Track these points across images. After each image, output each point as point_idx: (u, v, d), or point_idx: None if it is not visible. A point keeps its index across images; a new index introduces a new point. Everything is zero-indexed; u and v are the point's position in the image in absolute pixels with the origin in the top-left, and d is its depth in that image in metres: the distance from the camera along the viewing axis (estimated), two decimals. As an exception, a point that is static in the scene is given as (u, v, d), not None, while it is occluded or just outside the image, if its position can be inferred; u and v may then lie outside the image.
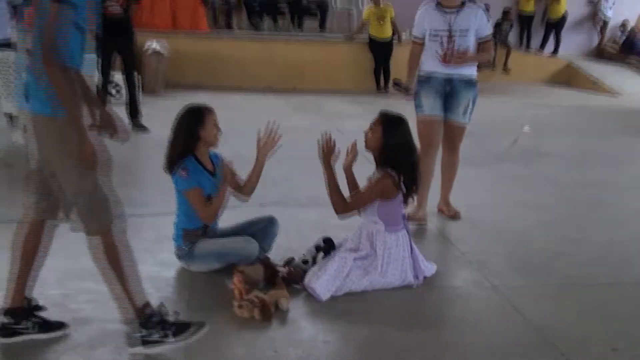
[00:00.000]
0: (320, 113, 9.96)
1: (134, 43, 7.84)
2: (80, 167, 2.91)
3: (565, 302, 3.92)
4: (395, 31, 12.59)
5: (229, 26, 13.25)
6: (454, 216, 5.20)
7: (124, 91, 8.22)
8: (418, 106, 5.01)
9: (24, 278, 3.26)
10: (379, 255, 3.84)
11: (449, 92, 4.90)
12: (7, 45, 7.03)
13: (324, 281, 3.71)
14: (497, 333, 3.51)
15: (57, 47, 2.69)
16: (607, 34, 16.92)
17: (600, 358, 3.33)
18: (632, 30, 16.84)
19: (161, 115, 8.26)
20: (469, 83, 4.92)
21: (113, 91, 8.81)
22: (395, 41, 12.53)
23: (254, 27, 13.39)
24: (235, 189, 4.14)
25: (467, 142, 5.38)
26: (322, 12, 13.81)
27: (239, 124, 8.34)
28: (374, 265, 3.83)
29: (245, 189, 4.16)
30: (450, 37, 4.79)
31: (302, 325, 3.47)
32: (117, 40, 7.56)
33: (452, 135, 5.06)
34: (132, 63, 7.77)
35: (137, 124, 7.79)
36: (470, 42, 4.86)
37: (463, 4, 4.85)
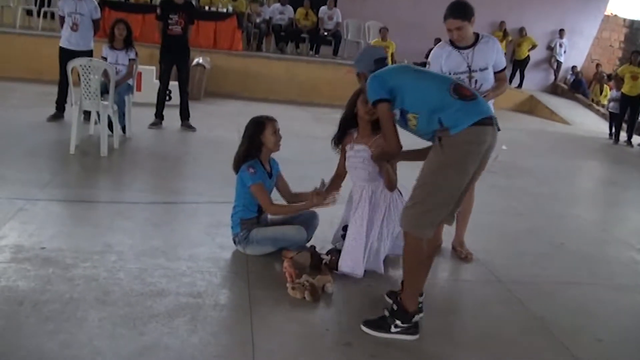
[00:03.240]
0: (336, 124, 9.72)
1: (189, 58, 7.58)
2: None
3: (555, 297, 3.72)
4: (393, 61, 12.36)
5: (259, 48, 13.01)
6: (466, 258, 4.09)
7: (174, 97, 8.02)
8: None
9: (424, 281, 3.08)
10: (381, 210, 3.60)
11: None
12: (90, 53, 6.83)
13: (349, 259, 3.53)
14: (506, 322, 3.33)
15: None
16: (560, 74, 16.77)
17: (589, 346, 3.16)
18: (579, 73, 16.71)
19: (204, 118, 8.10)
20: None
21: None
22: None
23: (279, 50, 13.17)
24: (282, 192, 4.00)
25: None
26: (336, 41, 13.58)
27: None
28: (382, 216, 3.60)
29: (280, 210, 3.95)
30: (470, 77, 3.79)
31: (345, 307, 3.28)
32: (176, 54, 7.30)
33: None
34: (187, 75, 7.52)
35: (187, 124, 7.55)
36: (490, 77, 3.88)
37: (476, 40, 3.81)
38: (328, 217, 4.03)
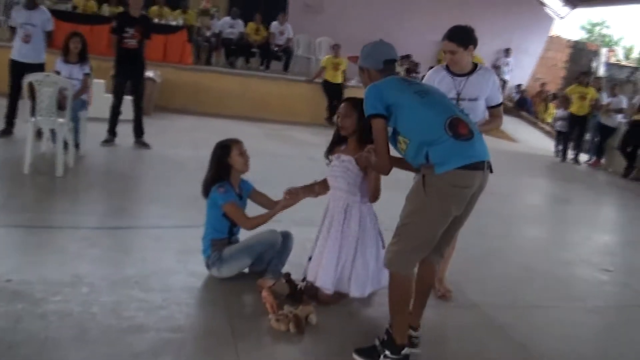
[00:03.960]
0: (290, 141, 9.71)
1: (145, 72, 7.41)
2: None
3: (534, 321, 3.77)
4: (344, 79, 12.45)
5: (208, 62, 12.87)
6: (443, 296, 3.91)
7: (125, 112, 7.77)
8: None
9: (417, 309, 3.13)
10: (354, 225, 3.54)
11: None
12: (42, 66, 6.58)
13: (320, 270, 3.53)
14: (491, 349, 3.35)
15: None
16: (506, 92, 17.27)
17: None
18: (524, 91, 17.26)
19: (157, 134, 7.90)
20: None
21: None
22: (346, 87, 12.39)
23: (229, 65, 13.06)
24: (264, 204, 3.91)
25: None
26: (287, 56, 13.59)
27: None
28: (351, 237, 3.54)
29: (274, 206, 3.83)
30: (457, 104, 3.57)
31: (332, 337, 3.23)
32: (131, 69, 7.13)
33: None
34: (142, 90, 7.34)
35: (141, 142, 7.36)
36: (479, 109, 3.73)
37: (473, 70, 3.68)
38: (298, 241, 3.97)
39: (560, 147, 12.00)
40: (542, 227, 6.67)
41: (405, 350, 2.92)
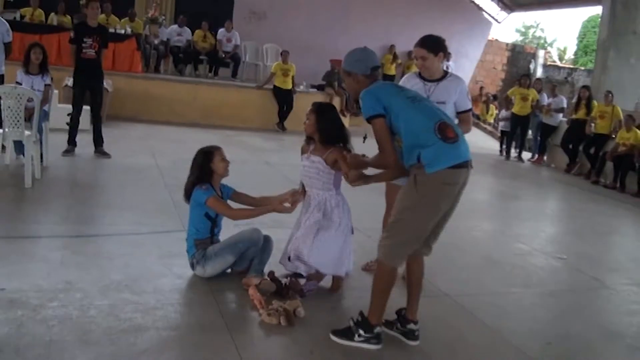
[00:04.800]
0: (245, 147, 9.85)
1: (103, 82, 7.45)
2: None
3: (500, 306, 4.10)
4: (294, 84, 12.69)
5: (157, 70, 12.89)
6: None
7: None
8: None
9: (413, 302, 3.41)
10: (335, 213, 3.83)
11: None
12: (1, 79, 6.55)
13: (294, 255, 3.84)
14: (464, 335, 3.63)
15: None
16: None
17: (541, 350, 3.53)
18: (465, 93, 17.90)
19: (113, 143, 7.90)
20: None
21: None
22: (295, 93, 12.63)
23: (178, 72, 13.12)
24: (248, 203, 4.13)
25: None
26: (235, 63, 13.74)
27: (185, 153, 8.17)
28: (332, 222, 3.83)
29: (257, 203, 4.09)
30: None
31: (319, 327, 3.42)
32: (90, 78, 7.18)
33: None
34: (101, 99, 7.38)
35: (101, 151, 7.39)
36: (447, 114, 3.59)
37: (443, 77, 4.00)
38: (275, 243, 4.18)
39: (504, 146, 12.60)
40: (494, 221, 7.08)
41: (377, 329, 3.19)
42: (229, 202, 4.04)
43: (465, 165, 3.06)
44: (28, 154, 5.53)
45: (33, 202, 5.33)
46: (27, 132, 5.61)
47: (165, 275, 3.93)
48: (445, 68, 15.13)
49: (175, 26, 13.42)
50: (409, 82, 4.08)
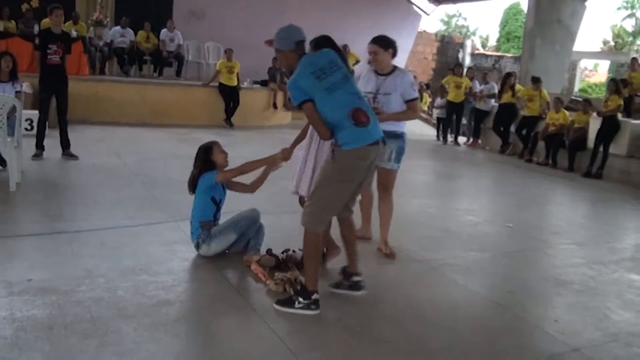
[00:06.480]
0: (199, 143, 10.15)
1: (68, 87, 7.65)
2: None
3: (468, 266, 4.72)
4: (239, 81, 13.06)
5: (102, 72, 13.01)
6: (390, 255, 4.79)
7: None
8: None
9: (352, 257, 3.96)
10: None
11: None
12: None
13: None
14: (438, 289, 4.24)
15: None
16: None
17: (505, 297, 4.19)
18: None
19: (72, 146, 8.04)
20: (391, 135, 4.51)
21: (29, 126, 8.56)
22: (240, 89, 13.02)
23: (124, 73, 13.26)
24: (240, 190, 4.64)
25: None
26: (178, 62, 13.99)
27: (148, 152, 8.51)
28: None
29: (252, 188, 4.61)
30: (374, 97, 4.59)
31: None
32: (55, 84, 7.40)
33: (381, 178, 4.86)
34: (66, 103, 7.59)
35: (68, 153, 7.62)
36: (393, 102, 4.57)
37: (392, 71, 4.62)
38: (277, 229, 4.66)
39: (441, 132, 13.42)
40: (444, 198, 7.77)
41: (315, 296, 3.64)
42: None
43: (376, 143, 3.59)
44: (12, 159, 5.76)
45: (24, 204, 5.58)
46: (9, 139, 5.84)
47: (172, 259, 4.34)
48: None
49: (117, 28, 13.54)
50: (365, 78, 4.79)
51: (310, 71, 3.55)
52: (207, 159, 4.45)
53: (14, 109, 6.49)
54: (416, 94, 4.74)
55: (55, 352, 2.92)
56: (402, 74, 4.71)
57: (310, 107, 3.53)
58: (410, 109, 4.69)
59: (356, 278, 3.92)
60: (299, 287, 3.72)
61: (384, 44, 4.60)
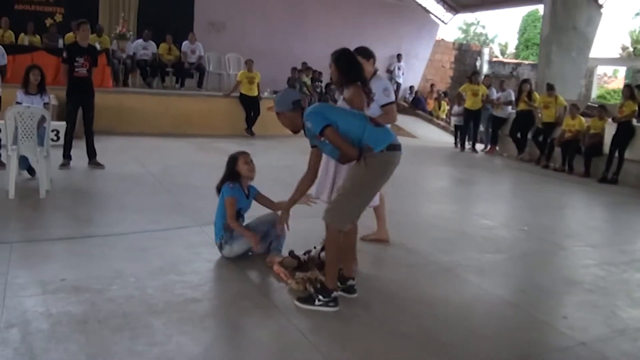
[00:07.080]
0: (223, 153, 10.29)
1: (94, 98, 7.93)
2: None
3: (483, 267, 4.84)
4: (259, 91, 13.31)
5: (125, 84, 13.34)
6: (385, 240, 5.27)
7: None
8: None
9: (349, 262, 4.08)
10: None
11: None
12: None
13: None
14: (453, 289, 4.39)
15: None
16: (400, 94, 18.81)
17: (518, 296, 4.36)
18: (417, 92, 18.85)
19: (98, 156, 8.31)
20: None
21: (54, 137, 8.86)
22: (261, 99, 13.26)
23: (147, 85, 13.59)
24: (265, 205, 4.83)
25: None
26: (200, 73, 14.28)
27: (171, 161, 8.72)
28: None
29: (275, 207, 4.76)
30: None
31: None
32: (82, 95, 7.69)
33: None
34: (93, 114, 7.87)
35: (95, 162, 7.90)
36: (372, 107, 4.52)
37: (372, 77, 4.68)
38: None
39: (459, 139, 13.54)
40: (460, 203, 7.90)
41: (335, 294, 3.84)
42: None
43: (399, 147, 3.76)
44: (42, 167, 6.03)
45: (54, 210, 5.83)
46: (39, 148, 6.11)
47: (197, 260, 4.55)
48: (397, 68, 16.10)
49: (140, 40, 13.87)
50: None
51: (328, 105, 3.89)
52: (232, 168, 4.68)
53: (42, 120, 6.80)
54: (389, 99, 4.76)
55: (91, 344, 3.13)
56: (377, 79, 4.78)
57: (333, 131, 3.65)
58: (385, 114, 4.71)
59: (351, 282, 4.07)
60: (318, 286, 3.90)
61: (365, 55, 4.71)
